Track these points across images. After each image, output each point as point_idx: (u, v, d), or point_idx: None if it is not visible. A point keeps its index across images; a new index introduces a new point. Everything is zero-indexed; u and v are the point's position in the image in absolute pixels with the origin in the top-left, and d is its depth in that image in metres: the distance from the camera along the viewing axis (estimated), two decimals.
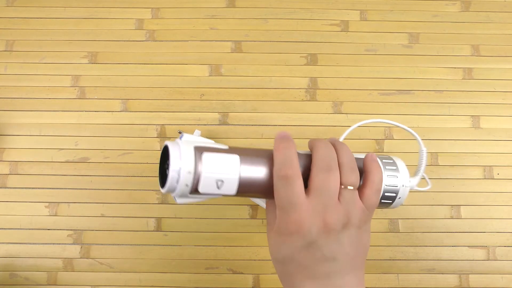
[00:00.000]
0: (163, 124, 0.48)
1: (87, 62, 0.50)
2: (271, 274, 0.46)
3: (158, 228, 0.46)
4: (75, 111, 0.49)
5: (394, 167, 0.34)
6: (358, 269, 0.30)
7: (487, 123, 0.49)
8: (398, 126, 0.38)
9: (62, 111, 0.49)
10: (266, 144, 0.48)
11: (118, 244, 0.46)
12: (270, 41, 0.51)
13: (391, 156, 0.35)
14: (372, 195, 0.31)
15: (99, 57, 0.50)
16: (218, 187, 0.29)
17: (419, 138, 0.37)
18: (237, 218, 0.46)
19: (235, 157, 0.30)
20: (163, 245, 0.46)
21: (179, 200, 0.30)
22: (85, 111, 0.49)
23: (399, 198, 0.34)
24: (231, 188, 0.30)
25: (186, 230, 0.46)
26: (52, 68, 0.50)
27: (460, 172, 0.48)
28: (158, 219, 0.47)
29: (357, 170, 0.31)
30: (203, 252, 0.46)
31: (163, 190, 0.30)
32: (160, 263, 0.46)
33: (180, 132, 0.34)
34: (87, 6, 0.52)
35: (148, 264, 0.46)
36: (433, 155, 0.48)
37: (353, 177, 0.30)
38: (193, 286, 0.45)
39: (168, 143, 0.30)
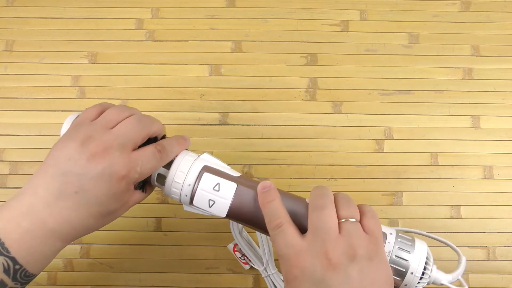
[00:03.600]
0: (163, 124, 0.48)
1: (87, 62, 0.50)
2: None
3: (158, 228, 0.46)
4: (75, 111, 0.49)
5: (408, 249, 0.31)
6: None
7: (487, 123, 0.49)
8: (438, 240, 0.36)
9: (62, 111, 0.49)
10: (266, 144, 0.48)
11: (118, 244, 0.46)
12: (270, 41, 0.51)
13: (415, 238, 0.32)
14: (371, 221, 0.30)
15: (99, 57, 0.50)
16: (209, 206, 0.32)
17: (456, 248, 0.35)
18: None
19: (233, 185, 0.32)
20: (163, 245, 0.46)
21: (185, 207, 0.33)
22: None
23: (405, 285, 0.31)
24: (222, 210, 0.32)
25: (186, 230, 0.46)
26: (52, 68, 0.50)
27: (460, 172, 0.48)
28: (158, 219, 0.47)
29: (355, 204, 0.31)
30: (203, 252, 0.46)
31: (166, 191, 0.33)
32: (160, 263, 0.46)
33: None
34: (87, 6, 0.52)
35: (148, 264, 0.46)
36: (433, 155, 0.48)
37: (352, 209, 0.30)
38: (193, 286, 0.45)
39: (190, 154, 0.34)
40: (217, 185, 0.32)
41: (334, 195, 0.31)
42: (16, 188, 0.47)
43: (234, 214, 0.32)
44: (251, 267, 0.44)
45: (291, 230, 0.29)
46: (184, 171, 0.32)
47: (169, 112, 0.49)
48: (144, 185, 0.34)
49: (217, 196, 0.32)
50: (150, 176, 0.34)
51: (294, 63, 0.50)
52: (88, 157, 0.29)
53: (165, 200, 0.47)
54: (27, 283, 0.29)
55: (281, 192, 0.33)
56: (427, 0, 0.52)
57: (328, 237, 0.28)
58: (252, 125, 0.49)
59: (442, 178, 0.48)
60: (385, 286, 0.28)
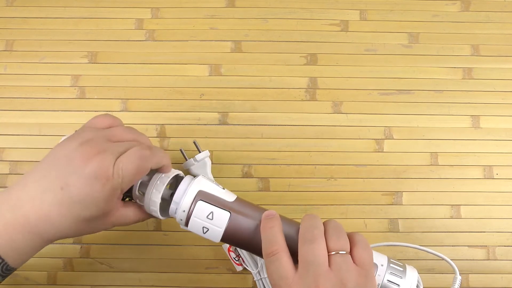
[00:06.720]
0: (163, 124, 0.48)
1: (87, 62, 0.50)
2: None
3: (158, 228, 0.46)
4: (75, 111, 0.49)
5: (400, 275, 0.32)
6: None
7: (487, 123, 0.49)
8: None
9: (62, 111, 0.49)
10: (265, 143, 0.48)
11: (117, 244, 0.46)
12: (270, 41, 0.51)
13: (406, 265, 0.33)
14: (362, 251, 0.30)
15: (99, 57, 0.50)
16: (203, 232, 0.33)
17: (455, 266, 0.37)
18: None
19: (226, 214, 0.33)
20: (163, 245, 0.46)
21: (182, 227, 0.35)
22: (85, 111, 0.49)
23: None
24: (215, 237, 0.33)
25: (186, 230, 0.46)
26: (51, 68, 0.50)
27: (460, 172, 0.48)
28: (158, 219, 0.47)
29: (345, 234, 0.31)
30: (203, 252, 0.46)
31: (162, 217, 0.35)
32: (160, 263, 0.46)
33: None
34: (87, 6, 0.52)
35: (148, 264, 0.46)
36: (433, 155, 0.48)
37: (341, 241, 0.30)
38: (193, 286, 0.45)
39: (185, 177, 0.34)
40: (211, 214, 0.32)
41: (324, 224, 0.32)
42: None
43: (228, 239, 0.34)
44: (243, 269, 0.44)
45: (285, 260, 0.30)
46: (180, 195, 0.33)
47: (168, 112, 0.49)
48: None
49: (211, 224, 0.33)
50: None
51: (294, 63, 0.50)
52: (83, 157, 0.29)
53: None
54: (6, 275, 0.31)
55: (283, 218, 0.34)
56: (427, 0, 0.52)
57: (318, 272, 0.28)
58: (252, 125, 0.49)
59: (442, 178, 0.48)
60: None
